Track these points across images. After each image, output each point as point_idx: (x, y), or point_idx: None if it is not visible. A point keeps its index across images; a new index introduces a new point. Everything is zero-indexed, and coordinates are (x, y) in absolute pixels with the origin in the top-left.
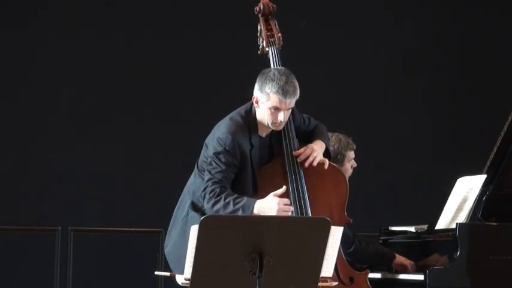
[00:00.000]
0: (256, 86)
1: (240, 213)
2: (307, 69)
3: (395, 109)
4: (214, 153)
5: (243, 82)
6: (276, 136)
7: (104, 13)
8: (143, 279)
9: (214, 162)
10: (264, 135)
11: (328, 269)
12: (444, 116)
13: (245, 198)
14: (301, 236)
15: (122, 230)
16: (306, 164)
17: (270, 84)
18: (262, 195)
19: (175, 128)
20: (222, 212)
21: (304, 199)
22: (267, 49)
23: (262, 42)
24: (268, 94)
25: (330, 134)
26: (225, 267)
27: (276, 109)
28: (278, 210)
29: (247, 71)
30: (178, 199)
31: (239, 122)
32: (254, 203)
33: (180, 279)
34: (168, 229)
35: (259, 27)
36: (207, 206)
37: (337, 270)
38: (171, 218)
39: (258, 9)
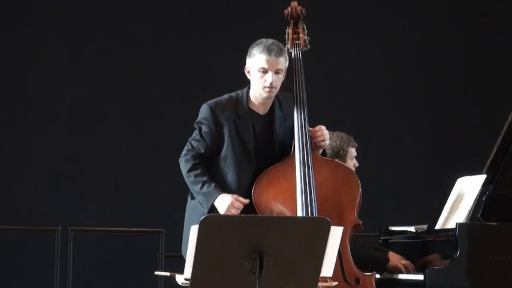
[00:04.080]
0: (247, 56)
1: (201, 198)
2: (308, 69)
3: (395, 109)
4: (195, 124)
5: (246, 83)
6: (289, 132)
7: (104, 13)
8: (143, 279)
9: (194, 132)
10: (261, 111)
11: (328, 269)
12: (444, 115)
13: (212, 186)
14: (301, 236)
15: (122, 230)
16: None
17: (256, 47)
18: (270, 194)
19: (175, 128)
20: (190, 186)
21: (312, 198)
22: (290, 50)
23: (287, 44)
24: (254, 56)
25: (330, 132)
26: (225, 267)
27: (264, 71)
28: (228, 209)
29: None
30: (178, 199)
31: (225, 97)
32: (217, 195)
33: (180, 279)
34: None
35: (287, 30)
36: (182, 171)
37: (343, 270)
38: (171, 218)
39: (287, 12)
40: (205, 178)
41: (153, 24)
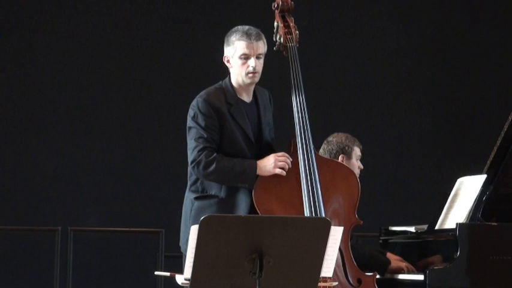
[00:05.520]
0: (224, 45)
1: (243, 177)
2: (309, 69)
3: (395, 109)
4: (191, 119)
5: None
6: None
7: (104, 12)
8: (143, 279)
9: (194, 128)
10: (246, 99)
11: (328, 269)
12: (444, 115)
13: (245, 161)
14: (301, 236)
15: (122, 230)
16: None
17: (234, 34)
18: (271, 193)
19: (175, 128)
20: (227, 173)
21: (318, 197)
22: (284, 46)
23: (280, 39)
24: (234, 43)
25: (335, 133)
26: (225, 267)
27: (245, 57)
28: (275, 162)
29: None
30: (178, 199)
31: (211, 89)
32: (255, 163)
33: (180, 279)
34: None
35: (275, 24)
36: (205, 172)
37: (345, 271)
38: (171, 218)
39: (275, 5)
40: (234, 160)
41: (154, 25)
